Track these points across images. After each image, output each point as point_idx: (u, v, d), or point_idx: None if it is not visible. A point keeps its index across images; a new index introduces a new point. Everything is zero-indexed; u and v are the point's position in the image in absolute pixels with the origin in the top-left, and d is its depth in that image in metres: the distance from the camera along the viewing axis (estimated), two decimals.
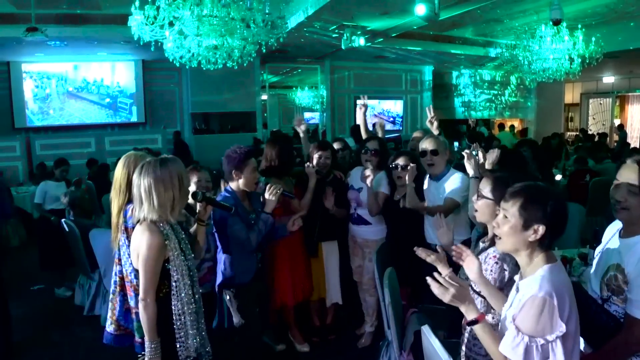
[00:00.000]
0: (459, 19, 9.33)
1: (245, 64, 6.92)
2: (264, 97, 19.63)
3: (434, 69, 15.78)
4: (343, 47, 9.53)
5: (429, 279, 1.83)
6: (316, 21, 8.58)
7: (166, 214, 2.31)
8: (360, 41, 9.19)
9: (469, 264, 2.09)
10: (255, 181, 3.18)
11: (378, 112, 15.61)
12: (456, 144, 9.05)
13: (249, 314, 3.13)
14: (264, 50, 6.76)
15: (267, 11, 5.99)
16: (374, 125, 11.26)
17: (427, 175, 3.62)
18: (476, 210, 2.35)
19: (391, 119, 15.85)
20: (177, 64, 6.78)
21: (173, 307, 2.30)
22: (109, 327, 2.94)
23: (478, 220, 2.39)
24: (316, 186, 3.83)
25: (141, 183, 2.30)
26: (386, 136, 10.97)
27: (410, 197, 3.44)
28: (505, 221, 1.79)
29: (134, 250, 2.31)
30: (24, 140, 11.05)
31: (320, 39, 10.24)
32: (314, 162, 3.91)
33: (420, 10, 6.25)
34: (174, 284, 2.30)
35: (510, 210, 1.78)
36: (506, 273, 2.15)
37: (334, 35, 9.79)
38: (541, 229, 1.72)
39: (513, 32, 10.51)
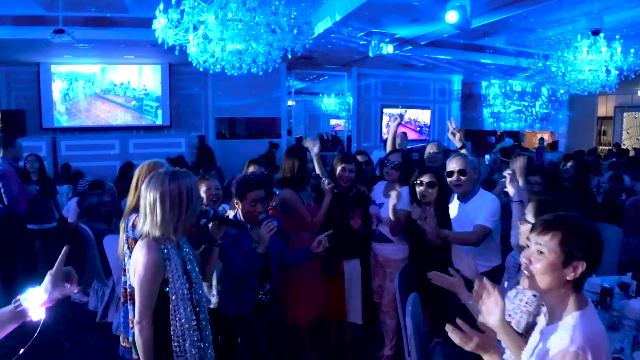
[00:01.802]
0: (491, 28, 9.05)
1: (270, 70, 6.78)
2: (290, 103, 19.65)
3: (463, 79, 15.46)
4: (370, 54, 9.35)
5: (448, 327, 1.64)
6: (344, 28, 8.42)
7: (169, 231, 2.14)
8: (388, 49, 8.99)
9: (491, 307, 1.73)
10: (256, 214, 2.96)
11: (405, 121, 15.33)
12: (487, 157, 8.77)
13: (257, 347, 2.96)
14: (290, 57, 6.62)
15: (292, 16, 5.83)
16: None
17: (454, 195, 3.37)
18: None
19: (418, 128, 15.57)
20: (201, 69, 6.68)
21: (172, 333, 2.13)
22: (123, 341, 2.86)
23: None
24: (338, 200, 3.65)
25: (147, 195, 2.14)
26: (412, 146, 10.74)
27: (431, 230, 3.08)
28: (541, 257, 1.57)
29: (131, 266, 2.16)
30: (50, 141, 11.14)
31: (347, 45, 10.08)
32: (337, 174, 3.72)
33: (452, 17, 6.02)
34: (172, 307, 2.14)
35: (549, 244, 1.56)
36: (543, 309, 1.90)
37: (361, 42, 9.62)
38: (581, 266, 1.52)
39: (546, 42, 10.18)
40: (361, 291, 3.81)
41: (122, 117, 12.88)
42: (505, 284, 2.47)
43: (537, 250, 1.57)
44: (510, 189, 2.77)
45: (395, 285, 3.04)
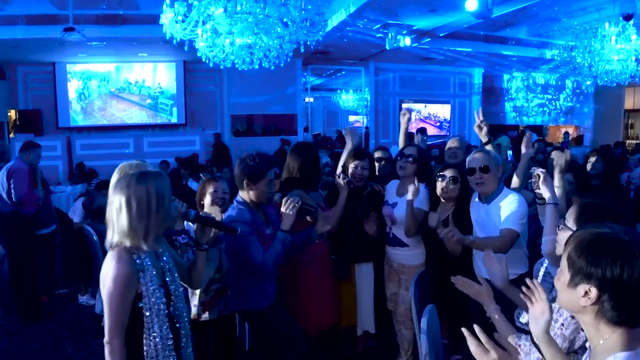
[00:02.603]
0: (513, 18, 8.69)
1: (282, 65, 6.57)
2: (309, 99, 19.46)
3: (484, 72, 15.07)
4: (387, 47, 9.08)
5: (465, 332, 1.51)
6: (359, 20, 8.16)
7: (138, 240, 1.90)
8: (406, 41, 8.70)
9: (538, 313, 1.51)
10: (271, 194, 2.78)
11: (424, 116, 15.03)
12: (510, 152, 8.40)
13: (289, 335, 2.80)
14: (302, 50, 6.39)
15: (303, 8, 5.59)
16: (417, 131, 10.75)
17: (476, 195, 3.07)
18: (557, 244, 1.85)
19: (437, 123, 15.23)
20: (211, 64, 6.50)
21: (145, 353, 1.91)
22: None
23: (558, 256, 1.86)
24: (350, 200, 3.39)
25: (113, 200, 1.91)
26: (432, 142, 10.42)
27: (452, 238, 2.72)
28: (560, 273, 1.33)
29: (101, 279, 1.93)
30: (65, 140, 11.13)
31: (363, 39, 9.84)
32: (350, 172, 3.46)
33: (471, 5, 5.71)
34: (146, 324, 1.91)
35: (562, 260, 1.31)
36: (582, 335, 1.62)
37: (378, 35, 9.36)
38: (593, 293, 1.22)
39: (571, 31, 9.74)
40: (374, 297, 3.54)
41: (137, 116, 12.86)
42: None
43: (562, 263, 1.33)
44: (543, 190, 2.44)
45: (410, 294, 2.77)
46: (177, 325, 2.07)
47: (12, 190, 4.96)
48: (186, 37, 5.88)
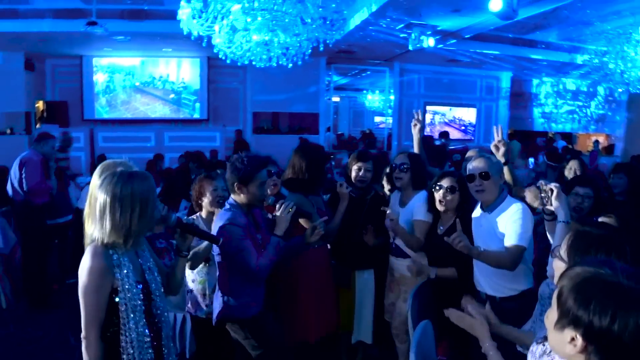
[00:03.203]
0: (542, 20, 8.40)
1: (299, 63, 6.48)
2: (335, 99, 19.37)
3: (512, 76, 14.68)
4: (410, 47, 8.89)
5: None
6: (382, 19, 8.01)
7: (120, 240, 1.88)
8: (429, 42, 8.50)
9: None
10: (263, 197, 2.67)
11: (449, 119, 14.75)
12: (531, 160, 8.14)
13: (274, 348, 2.69)
14: (321, 49, 6.28)
15: (321, 5, 5.48)
16: (440, 135, 10.51)
17: (478, 205, 2.89)
18: None
19: (462, 127, 14.92)
20: (228, 61, 6.45)
21: (121, 350, 1.87)
22: None
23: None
24: (353, 204, 3.28)
25: (98, 198, 1.89)
26: (455, 146, 10.17)
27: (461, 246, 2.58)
28: (550, 309, 1.18)
29: (79, 274, 1.89)
30: (88, 132, 11.29)
31: (387, 39, 9.68)
32: (352, 174, 3.34)
33: (495, 5, 5.49)
34: (122, 319, 1.88)
35: (554, 295, 1.16)
36: None
37: (401, 36, 9.18)
38: (579, 342, 1.07)
39: (604, 36, 9.37)
40: (374, 307, 3.40)
41: (160, 110, 12.98)
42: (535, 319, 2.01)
43: (553, 298, 1.17)
44: (556, 207, 2.20)
45: (407, 307, 2.64)
46: (158, 324, 2.02)
47: (24, 180, 5.00)
48: (204, 33, 5.86)
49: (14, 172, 5.11)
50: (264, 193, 2.68)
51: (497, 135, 3.25)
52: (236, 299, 2.68)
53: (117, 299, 1.88)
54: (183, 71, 12.89)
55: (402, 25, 8.51)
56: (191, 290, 3.11)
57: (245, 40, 5.89)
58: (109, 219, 1.86)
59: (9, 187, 5.18)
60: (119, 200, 1.85)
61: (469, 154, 4.04)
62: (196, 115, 13.15)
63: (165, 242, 2.68)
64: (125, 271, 1.89)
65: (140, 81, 12.76)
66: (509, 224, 2.60)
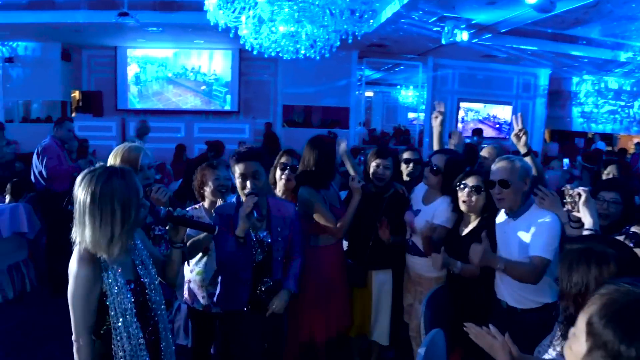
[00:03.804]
0: (584, 15, 8.01)
1: (327, 55, 6.36)
2: (368, 93, 19.13)
3: (551, 73, 14.14)
4: (443, 41, 8.63)
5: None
6: (414, 11, 7.79)
7: (102, 249, 1.75)
8: (463, 35, 8.23)
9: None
10: (245, 191, 2.51)
11: (483, 117, 14.35)
12: (566, 161, 7.79)
13: (245, 352, 2.59)
14: (350, 41, 6.14)
15: None
16: (473, 132, 10.23)
17: (504, 210, 2.67)
18: None
19: (497, 125, 14.50)
20: (255, 52, 6.39)
21: (113, 353, 1.80)
22: None
23: None
24: (371, 201, 3.15)
25: (78, 197, 1.75)
26: (488, 145, 9.84)
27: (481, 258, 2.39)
28: (574, 339, 1.02)
29: (68, 276, 1.82)
30: (120, 122, 11.47)
31: (420, 32, 9.43)
32: (370, 171, 3.21)
33: None
34: (112, 323, 1.80)
35: (579, 323, 1.01)
36: None
37: (434, 29, 8.92)
38: None
39: None
40: (391, 308, 3.27)
41: (191, 101, 13.09)
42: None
43: (577, 326, 1.02)
44: (584, 214, 2.02)
45: (420, 312, 2.49)
46: (155, 319, 1.96)
47: (43, 167, 5.10)
48: (232, 24, 5.81)
49: (34, 159, 5.23)
50: (245, 186, 2.51)
51: (518, 124, 3.09)
52: (221, 288, 2.68)
53: (107, 302, 1.80)
54: (215, 63, 12.94)
55: (435, 18, 8.26)
56: (190, 281, 3.06)
57: (271, 32, 5.82)
58: (89, 226, 1.72)
59: (32, 175, 5.29)
60: (98, 201, 1.72)
61: (484, 152, 3.84)
62: (227, 107, 13.20)
63: (163, 230, 2.61)
64: (113, 275, 1.80)
65: (172, 72, 12.89)
66: (535, 234, 2.40)
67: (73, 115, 12.37)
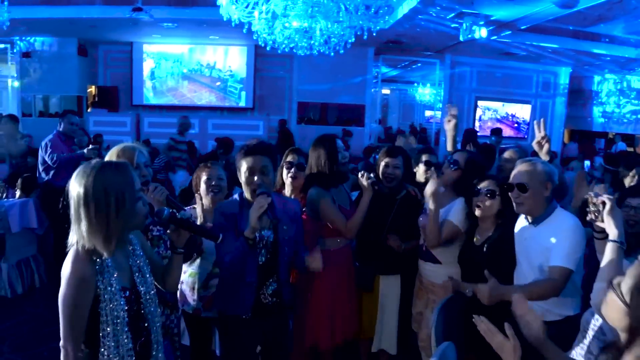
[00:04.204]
0: (607, 11, 7.75)
1: (341, 51, 6.25)
2: (385, 91, 18.93)
3: (571, 72, 13.83)
4: (461, 38, 8.43)
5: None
6: (431, 7, 7.63)
7: (99, 243, 1.67)
8: (482, 32, 8.03)
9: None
10: (253, 187, 2.39)
11: (501, 116, 14.09)
12: (587, 163, 7.54)
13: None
14: (365, 37, 6.02)
15: None
16: (492, 131, 10.03)
17: (523, 215, 2.50)
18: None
19: (515, 124, 14.23)
20: (268, 48, 6.32)
21: None
22: None
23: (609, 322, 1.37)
24: (381, 203, 3.02)
25: (72, 194, 1.68)
26: (507, 145, 9.63)
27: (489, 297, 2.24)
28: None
29: (61, 279, 1.74)
30: (134, 117, 11.49)
31: (437, 29, 9.25)
32: (380, 171, 3.08)
33: None
34: (102, 331, 1.71)
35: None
36: None
37: (452, 26, 8.74)
38: None
39: None
40: (400, 314, 3.14)
41: (206, 98, 13.09)
42: (574, 352, 1.72)
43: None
44: (608, 224, 1.85)
45: (432, 323, 2.37)
46: (148, 329, 1.86)
47: (48, 160, 5.15)
48: (245, 20, 5.75)
49: (39, 153, 5.31)
50: (254, 182, 2.38)
51: (540, 130, 2.83)
52: (222, 290, 2.54)
53: (99, 309, 1.71)
54: (230, 59, 12.91)
55: (452, 14, 8.07)
56: (182, 282, 2.96)
57: (284, 27, 5.74)
58: (84, 220, 1.65)
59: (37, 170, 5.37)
60: (91, 195, 1.65)
61: (506, 156, 3.64)
62: (242, 104, 13.15)
63: (162, 230, 2.50)
64: (108, 279, 1.71)
65: (187, 68, 12.89)
66: (557, 241, 2.24)
67: (89, 110, 12.44)
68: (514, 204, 2.41)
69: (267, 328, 2.52)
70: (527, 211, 2.39)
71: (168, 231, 1.99)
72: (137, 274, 1.82)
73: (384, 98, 19.26)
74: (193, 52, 12.84)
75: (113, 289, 1.71)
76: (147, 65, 12.82)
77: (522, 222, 2.50)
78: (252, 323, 2.46)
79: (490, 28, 8.21)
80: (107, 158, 2.47)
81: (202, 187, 2.88)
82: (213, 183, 2.84)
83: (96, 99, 13.18)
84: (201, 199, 2.93)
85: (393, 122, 20.85)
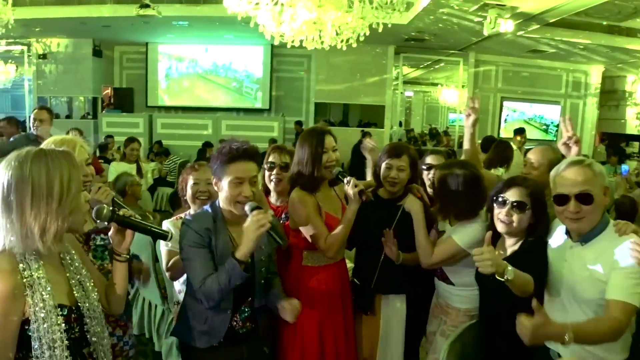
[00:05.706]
0: None
1: (353, 45, 5.86)
2: (408, 93, 18.44)
3: (604, 70, 13.19)
4: (486, 32, 7.94)
5: None
6: None
7: (32, 240, 1.39)
8: (507, 25, 7.50)
9: None
10: (240, 201, 1.98)
11: (528, 117, 13.52)
12: (625, 167, 6.91)
13: None
14: (380, 31, 5.62)
15: None
16: (515, 131, 9.50)
17: (560, 228, 2.03)
18: None
19: (543, 126, 13.64)
20: (276, 42, 5.98)
21: None
22: None
23: None
24: (382, 211, 2.60)
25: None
26: (530, 147, 9.10)
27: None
28: None
29: None
30: (147, 118, 11.37)
31: (460, 23, 8.78)
32: (381, 174, 2.64)
33: None
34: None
35: None
36: None
37: (475, 20, 8.26)
38: None
39: None
40: (405, 341, 2.67)
41: (222, 98, 12.94)
42: None
43: None
44: None
45: (443, 350, 1.92)
46: (94, 356, 1.55)
47: None
48: (250, 11, 5.44)
49: None
50: (242, 194, 1.99)
51: (567, 130, 2.36)
52: (187, 316, 2.12)
53: (28, 332, 1.39)
54: (246, 59, 12.71)
55: (476, 7, 7.59)
56: (178, 303, 2.59)
57: (292, 19, 5.38)
58: (15, 212, 1.38)
59: None
60: (28, 185, 1.38)
61: (531, 155, 3.01)
62: (257, 105, 12.90)
63: (107, 239, 2.13)
64: (40, 293, 1.39)
65: (203, 69, 12.73)
66: (617, 268, 1.75)
67: (104, 112, 12.36)
68: (565, 220, 1.91)
69: (239, 357, 2.13)
70: (584, 227, 1.87)
71: (110, 232, 1.67)
72: (76, 287, 1.52)
73: (406, 100, 18.83)
74: (208, 53, 12.67)
75: (47, 306, 1.40)
76: (162, 66, 12.72)
77: (559, 237, 2.00)
78: (221, 352, 2.07)
79: (517, 22, 7.70)
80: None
81: (189, 192, 2.51)
82: (201, 189, 2.48)
83: (112, 100, 13.08)
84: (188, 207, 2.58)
85: (416, 125, 20.43)
